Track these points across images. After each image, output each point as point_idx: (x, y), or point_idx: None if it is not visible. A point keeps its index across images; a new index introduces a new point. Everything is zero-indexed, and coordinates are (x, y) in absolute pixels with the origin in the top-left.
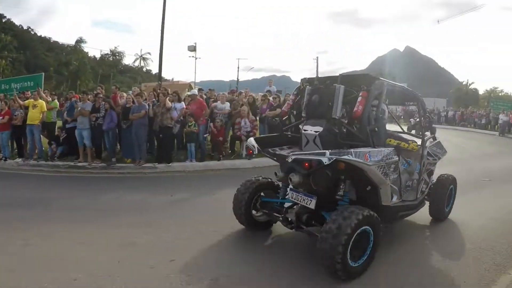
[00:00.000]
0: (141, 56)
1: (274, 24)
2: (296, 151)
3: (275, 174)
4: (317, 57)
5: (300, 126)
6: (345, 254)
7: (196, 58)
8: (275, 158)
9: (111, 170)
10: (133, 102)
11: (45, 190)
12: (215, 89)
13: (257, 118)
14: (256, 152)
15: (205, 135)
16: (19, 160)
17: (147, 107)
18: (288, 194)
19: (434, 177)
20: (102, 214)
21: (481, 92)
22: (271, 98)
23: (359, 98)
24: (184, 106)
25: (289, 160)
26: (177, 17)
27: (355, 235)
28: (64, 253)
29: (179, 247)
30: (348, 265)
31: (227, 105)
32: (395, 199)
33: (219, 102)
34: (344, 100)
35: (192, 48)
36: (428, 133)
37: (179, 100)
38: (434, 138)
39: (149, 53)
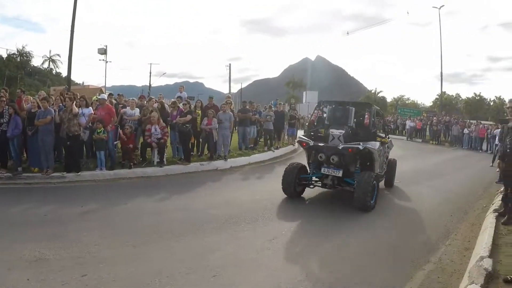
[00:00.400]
0: (50, 57)
1: (187, 30)
2: (326, 144)
3: (320, 157)
4: (230, 64)
5: (320, 130)
6: (370, 196)
7: (106, 62)
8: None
9: (17, 181)
10: (39, 107)
11: None
12: (124, 95)
13: (168, 125)
14: (312, 144)
15: (115, 143)
16: None
17: (53, 112)
18: (322, 170)
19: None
20: (8, 229)
21: (389, 100)
22: (181, 105)
23: (366, 115)
24: (92, 112)
25: (340, 147)
26: (88, 18)
27: (372, 185)
28: None
29: (91, 261)
30: (371, 202)
31: (136, 111)
32: (378, 170)
33: (128, 108)
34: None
35: (103, 51)
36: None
37: (87, 105)
38: (389, 137)
39: (58, 55)
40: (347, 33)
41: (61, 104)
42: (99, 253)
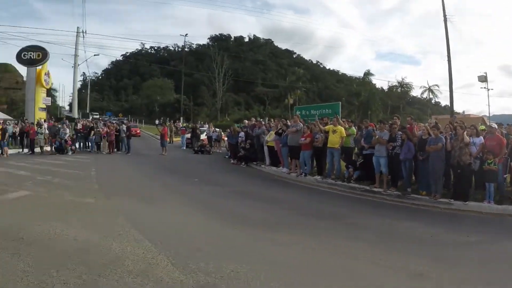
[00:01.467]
0: (428, 88)
1: None
2: None
3: None
4: None
5: None
6: None
7: (488, 89)
8: None
9: (405, 200)
10: (429, 134)
11: (339, 206)
12: None
13: None
14: None
15: (504, 176)
16: (318, 177)
17: (443, 140)
18: None
19: None
20: (395, 241)
21: None
22: None
23: None
24: (483, 141)
25: None
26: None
27: None
28: (351, 267)
29: None
30: None
31: None
32: None
33: None
34: None
35: (483, 79)
36: None
37: (477, 135)
38: None
39: (436, 85)
40: None
41: (451, 133)
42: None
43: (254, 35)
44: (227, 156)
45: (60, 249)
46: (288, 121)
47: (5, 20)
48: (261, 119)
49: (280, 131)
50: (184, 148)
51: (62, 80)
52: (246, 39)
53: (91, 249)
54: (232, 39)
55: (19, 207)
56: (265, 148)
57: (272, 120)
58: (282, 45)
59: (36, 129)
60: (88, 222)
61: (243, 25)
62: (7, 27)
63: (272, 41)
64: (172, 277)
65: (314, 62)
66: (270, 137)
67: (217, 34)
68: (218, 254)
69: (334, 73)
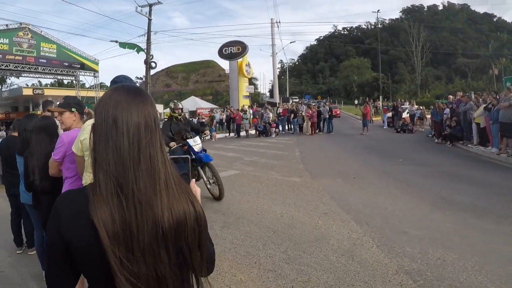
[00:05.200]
0: None
1: None
2: None
3: None
4: None
5: None
6: None
7: None
8: None
9: None
10: None
11: None
12: None
13: None
14: None
15: None
16: None
17: None
18: None
19: None
20: None
21: None
22: None
23: None
24: None
25: None
26: None
27: None
28: None
29: None
30: None
31: None
32: None
33: None
34: None
35: None
36: None
37: None
38: None
39: None
40: None
41: None
42: None
43: (448, 2)
44: (430, 135)
45: (267, 224)
46: (498, 94)
47: (202, 22)
48: (467, 94)
49: (490, 106)
50: (386, 127)
51: (262, 69)
52: (440, 7)
53: (297, 226)
54: (425, 9)
55: (230, 184)
56: (473, 126)
57: (480, 94)
58: (479, 8)
59: (241, 115)
60: (294, 200)
61: None
62: (205, 28)
63: (468, 6)
64: (376, 259)
65: None
66: (478, 113)
67: (409, 6)
68: (425, 239)
69: None
